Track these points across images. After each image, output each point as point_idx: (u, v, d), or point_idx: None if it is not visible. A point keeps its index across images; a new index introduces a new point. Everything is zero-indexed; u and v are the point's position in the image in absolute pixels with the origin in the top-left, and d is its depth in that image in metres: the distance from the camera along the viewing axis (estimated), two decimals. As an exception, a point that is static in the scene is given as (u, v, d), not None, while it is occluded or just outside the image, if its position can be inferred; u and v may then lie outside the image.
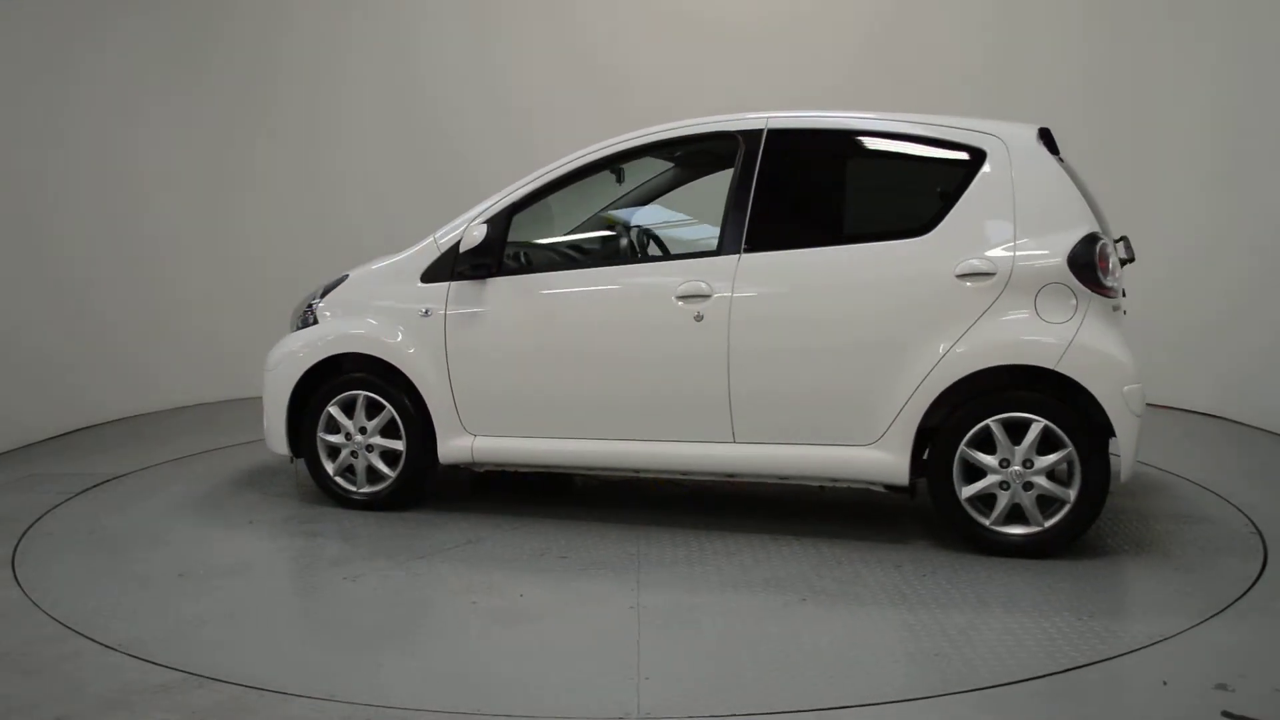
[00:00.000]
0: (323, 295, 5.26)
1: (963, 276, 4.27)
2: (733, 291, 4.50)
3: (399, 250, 5.13)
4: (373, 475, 5.13)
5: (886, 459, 4.38)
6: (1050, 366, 4.17)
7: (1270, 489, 5.34)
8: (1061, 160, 4.42)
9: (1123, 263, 4.55)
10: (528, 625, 3.76)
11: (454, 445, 4.97)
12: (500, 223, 4.86)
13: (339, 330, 5.13)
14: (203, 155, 8.10)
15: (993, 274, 4.25)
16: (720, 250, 4.57)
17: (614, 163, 4.98)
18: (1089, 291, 4.18)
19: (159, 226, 7.90)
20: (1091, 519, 4.25)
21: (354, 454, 5.13)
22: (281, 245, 8.35)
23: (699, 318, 4.52)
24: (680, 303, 4.55)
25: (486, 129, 8.39)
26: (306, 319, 5.29)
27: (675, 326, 4.57)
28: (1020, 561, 4.23)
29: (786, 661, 3.40)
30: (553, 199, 5.02)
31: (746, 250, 4.53)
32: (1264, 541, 4.44)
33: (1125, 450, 4.13)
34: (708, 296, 4.51)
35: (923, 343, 4.30)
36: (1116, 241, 4.54)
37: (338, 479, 5.19)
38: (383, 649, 3.61)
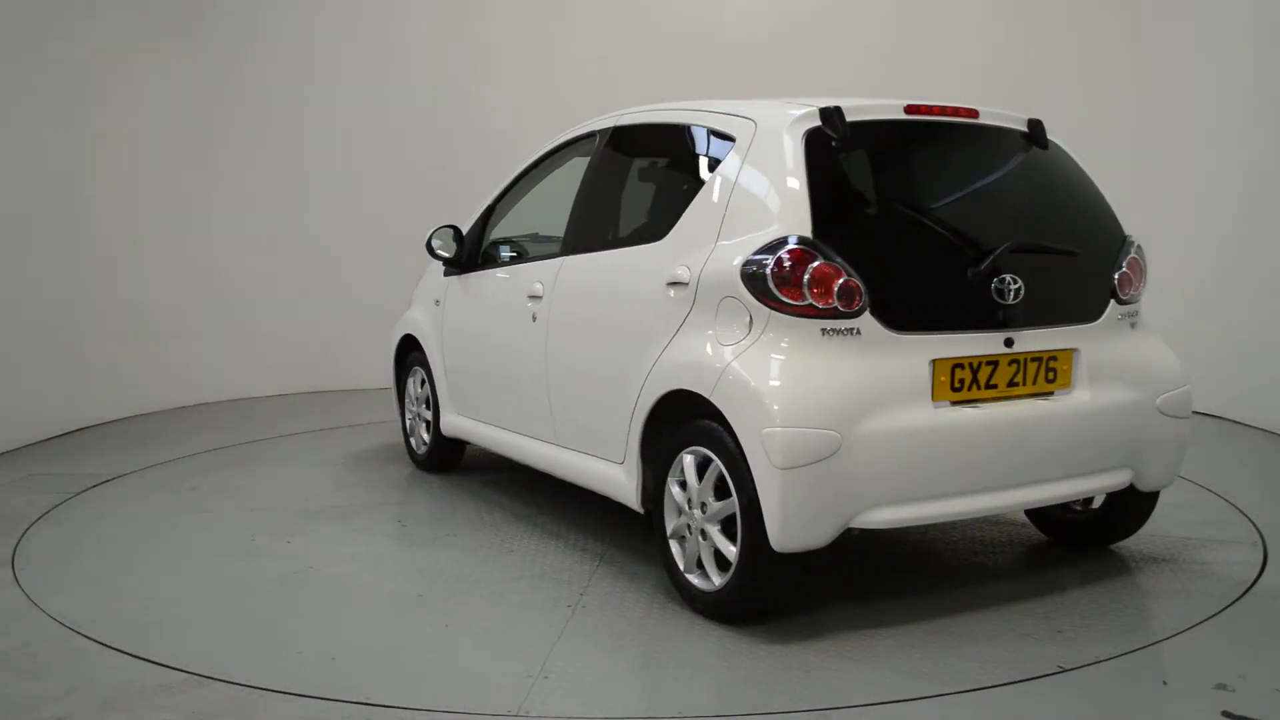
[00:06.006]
0: (418, 284, 5.99)
1: (670, 286, 3.80)
2: (552, 294, 4.52)
3: None
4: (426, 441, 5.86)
5: (624, 480, 4.04)
6: (706, 395, 3.55)
7: (1271, 489, 5.34)
8: (841, 144, 3.63)
9: (1006, 276, 3.59)
10: (213, 561, 4.44)
11: (447, 420, 5.55)
12: (478, 225, 5.32)
13: (407, 315, 5.96)
14: (203, 152, 8.09)
15: (687, 284, 3.73)
16: (561, 251, 4.63)
17: (543, 164, 5.13)
18: (766, 308, 3.46)
19: (158, 226, 7.90)
20: (760, 590, 3.56)
21: (414, 421, 5.95)
22: (279, 245, 8.34)
23: (534, 318, 4.60)
24: (527, 302, 4.65)
25: (460, 134, 8.35)
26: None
27: (523, 326, 4.69)
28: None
29: (258, 634, 3.70)
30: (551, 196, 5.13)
31: (571, 252, 4.55)
32: (1264, 541, 4.44)
33: (766, 508, 3.33)
34: (541, 298, 4.58)
35: (640, 359, 3.88)
36: (1055, 252, 3.78)
37: (410, 440, 6.01)
38: (102, 565, 4.43)
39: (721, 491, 3.56)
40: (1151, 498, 4.16)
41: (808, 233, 3.44)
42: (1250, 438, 6.47)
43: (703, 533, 3.65)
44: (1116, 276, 3.93)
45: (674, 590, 3.87)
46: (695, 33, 8.32)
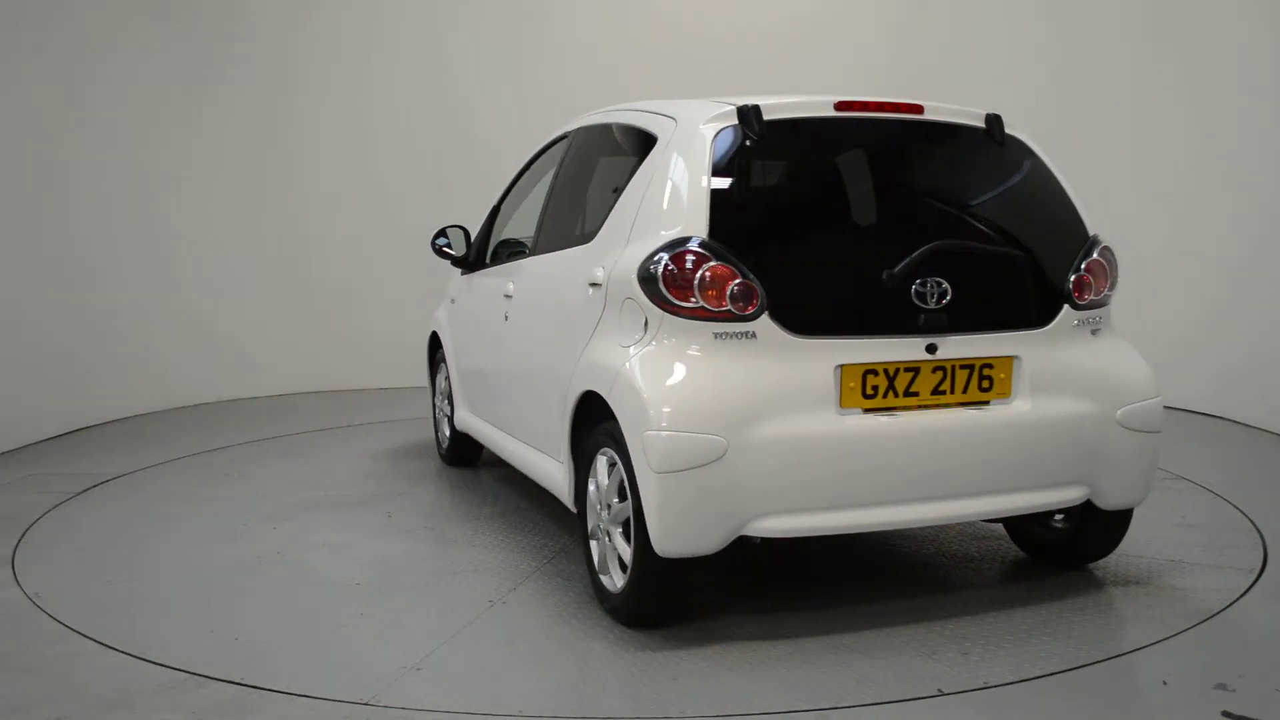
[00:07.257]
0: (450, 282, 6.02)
1: (590, 287, 3.79)
2: (518, 294, 4.61)
3: None
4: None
5: (560, 478, 4.05)
6: (605, 396, 3.52)
7: (1270, 489, 5.33)
8: (757, 142, 3.53)
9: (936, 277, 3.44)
10: (200, 546, 4.67)
11: (459, 415, 5.60)
12: (485, 224, 5.34)
13: (435, 313, 6.01)
14: (213, 153, 8.09)
15: (601, 285, 3.70)
16: (530, 251, 4.71)
17: (536, 164, 5.17)
18: (660, 310, 3.38)
19: (160, 226, 7.90)
20: (651, 593, 3.47)
21: (439, 416, 6.08)
22: (281, 243, 8.35)
23: (506, 317, 4.69)
24: (503, 302, 4.73)
25: (458, 130, 8.31)
26: None
27: (499, 325, 4.80)
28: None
29: (188, 614, 3.87)
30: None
31: (535, 252, 4.64)
32: (1264, 541, 4.43)
33: (647, 511, 3.28)
34: (511, 297, 4.66)
35: (568, 359, 3.87)
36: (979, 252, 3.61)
37: (437, 434, 6.15)
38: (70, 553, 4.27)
39: (625, 494, 3.50)
40: (1122, 516, 3.92)
41: (705, 234, 3.37)
42: (1248, 436, 6.43)
43: (609, 534, 3.63)
44: (1072, 279, 3.66)
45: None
46: (691, 37, 8.32)
